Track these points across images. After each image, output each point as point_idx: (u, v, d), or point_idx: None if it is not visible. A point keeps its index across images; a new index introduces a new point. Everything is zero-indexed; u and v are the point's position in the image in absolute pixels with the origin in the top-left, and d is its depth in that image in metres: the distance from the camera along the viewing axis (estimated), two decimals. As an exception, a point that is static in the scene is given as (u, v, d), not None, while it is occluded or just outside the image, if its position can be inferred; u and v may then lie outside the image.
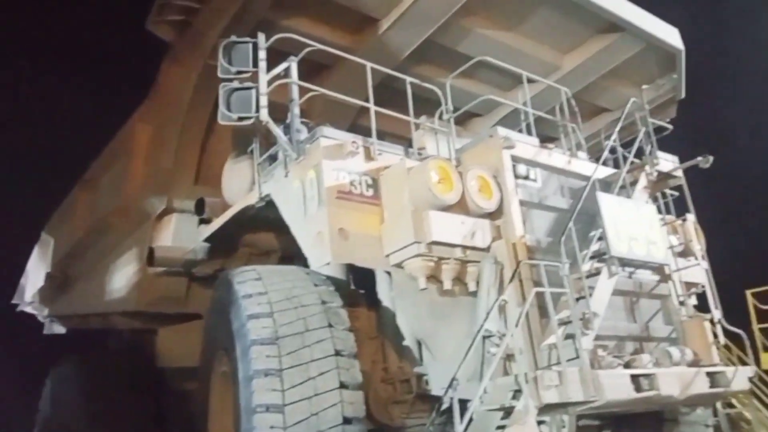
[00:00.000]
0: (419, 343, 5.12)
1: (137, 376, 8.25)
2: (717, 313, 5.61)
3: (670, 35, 7.97)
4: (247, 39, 5.13)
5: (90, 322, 9.53)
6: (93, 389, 8.45)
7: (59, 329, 11.23)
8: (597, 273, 5.01)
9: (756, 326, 8.82)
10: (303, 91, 5.32)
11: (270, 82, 5.08)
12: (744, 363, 5.53)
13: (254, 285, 4.78)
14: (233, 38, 5.13)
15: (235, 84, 5.03)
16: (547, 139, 6.44)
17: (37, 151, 15.77)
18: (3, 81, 16.50)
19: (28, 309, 11.55)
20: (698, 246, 6.15)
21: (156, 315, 7.64)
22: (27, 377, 10.81)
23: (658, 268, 5.68)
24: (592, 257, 5.05)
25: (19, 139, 15.68)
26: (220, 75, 5.03)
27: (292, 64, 5.21)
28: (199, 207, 6.74)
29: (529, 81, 6.27)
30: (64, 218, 10.25)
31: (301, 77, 5.25)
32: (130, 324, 8.33)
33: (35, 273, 11.17)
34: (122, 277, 7.85)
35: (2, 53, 16.45)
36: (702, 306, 5.83)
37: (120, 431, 8.06)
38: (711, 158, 5.81)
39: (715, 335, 5.56)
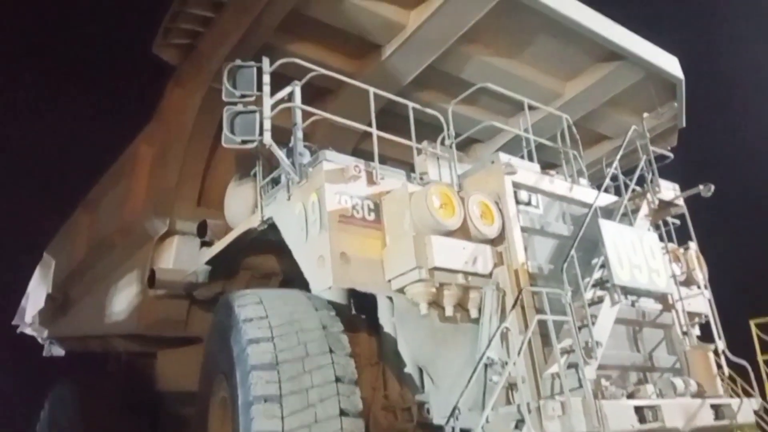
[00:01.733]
0: (420, 370, 5.08)
1: (135, 399, 8.16)
2: (721, 344, 5.57)
3: (670, 64, 8.05)
4: (252, 63, 5.19)
5: (89, 345, 9.46)
6: (91, 412, 8.35)
7: (58, 351, 11.15)
8: (599, 301, 4.99)
9: (761, 357, 8.72)
10: (306, 115, 5.35)
11: (274, 106, 5.12)
12: (749, 395, 5.45)
13: (255, 309, 4.75)
14: (238, 62, 5.19)
15: (239, 107, 5.07)
16: (548, 165, 6.48)
17: (40, 171, 15.85)
18: (7, 101, 16.67)
19: (28, 330, 11.48)
20: (701, 275, 6.12)
21: (155, 338, 7.57)
22: (26, 399, 10.71)
23: (661, 297, 5.65)
24: (594, 285, 5.03)
25: (22, 159, 15.77)
26: (224, 98, 5.08)
27: (296, 89, 5.25)
28: (201, 229, 6.74)
29: (531, 108, 6.32)
30: (65, 239, 10.24)
31: (304, 101, 5.29)
32: (129, 347, 8.27)
33: (36, 294, 11.12)
34: (122, 299, 7.81)
35: (8, 73, 16.64)
36: (705, 336, 5.79)
37: (117, 455, 7.97)
38: (712, 187, 5.81)
39: (720, 366, 5.51)
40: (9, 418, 12.50)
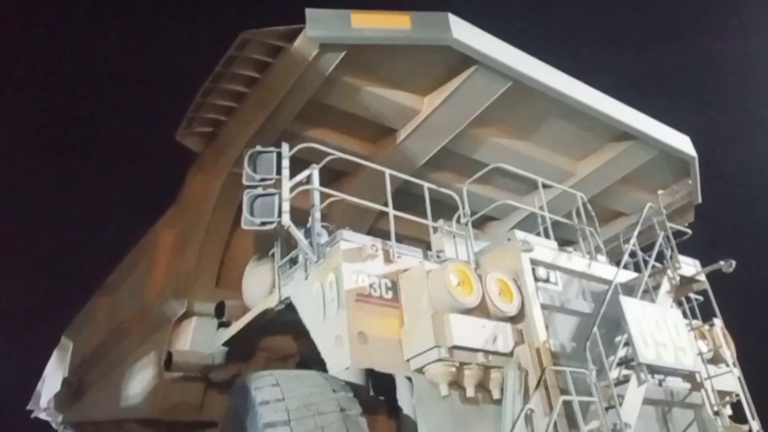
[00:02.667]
0: (442, 455, 4.89)
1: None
2: (755, 424, 5.33)
3: (682, 143, 8.17)
4: (272, 149, 5.37)
5: (104, 430, 9.26)
6: None
7: (73, 437, 10.91)
8: (625, 381, 4.84)
9: (798, 439, 8.29)
10: (324, 196, 5.48)
11: (292, 189, 5.25)
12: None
13: (271, 391, 4.66)
14: (258, 148, 5.36)
15: (259, 190, 5.20)
16: (565, 242, 6.47)
17: (61, 255, 16.13)
18: (28, 183, 17.23)
19: (43, 415, 11.30)
20: (728, 352, 5.95)
21: (171, 423, 7.42)
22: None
23: (689, 376, 5.47)
24: (618, 364, 4.90)
25: (43, 244, 16.11)
26: (244, 182, 5.22)
27: (314, 172, 5.40)
28: (219, 310, 6.74)
29: (544, 186, 6.40)
30: (84, 323, 10.28)
31: (322, 183, 5.42)
32: (143, 432, 8.09)
33: (52, 378, 11.05)
34: (138, 383, 7.72)
35: (29, 151, 17.28)
36: (738, 416, 5.55)
37: None
38: (734, 262, 5.75)
39: (754, 447, 5.25)
40: None
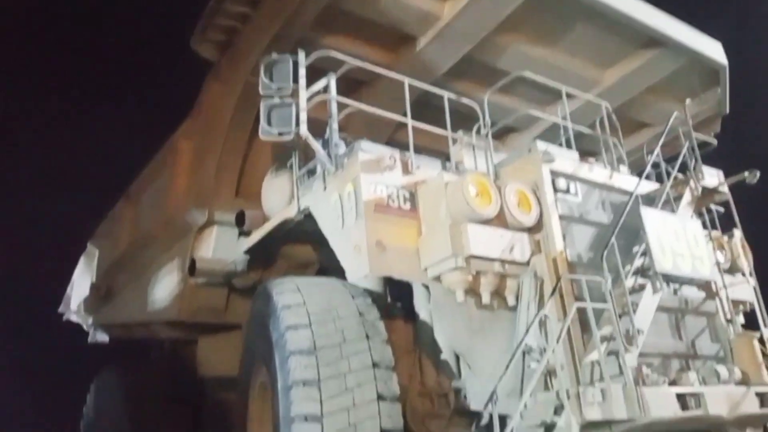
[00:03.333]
0: (457, 357, 5.09)
1: (177, 385, 8.39)
2: (766, 332, 5.42)
3: (713, 50, 7.82)
4: (288, 56, 5.24)
5: (132, 332, 9.74)
6: (134, 397, 8.63)
7: (103, 338, 11.50)
8: (640, 289, 4.91)
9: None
10: (341, 106, 5.40)
11: (309, 99, 5.18)
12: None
13: (293, 296, 4.83)
14: (274, 56, 5.24)
15: (276, 100, 5.13)
16: (587, 153, 6.38)
17: (85, 165, 16.34)
18: (51, 95, 17.22)
19: (74, 318, 11.87)
20: (746, 262, 5.97)
21: (197, 325, 7.77)
22: (73, 384, 11.13)
23: (705, 285, 5.53)
24: (635, 273, 4.95)
25: (67, 154, 16.28)
26: (261, 92, 5.14)
27: (332, 81, 5.31)
28: (240, 219, 6.86)
29: (568, 96, 6.22)
30: (108, 230, 10.55)
31: (339, 93, 5.34)
32: (171, 333, 8.48)
33: (81, 283, 11.49)
34: (164, 288, 8.02)
35: (51, 67, 17.17)
36: (751, 324, 5.65)
37: (160, 439, 8.22)
38: (758, 173, 5.66)
39: (765, 354, 5.37)
40: (57, 401, 13.01)
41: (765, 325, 5.44)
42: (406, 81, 5.64)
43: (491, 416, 4.07)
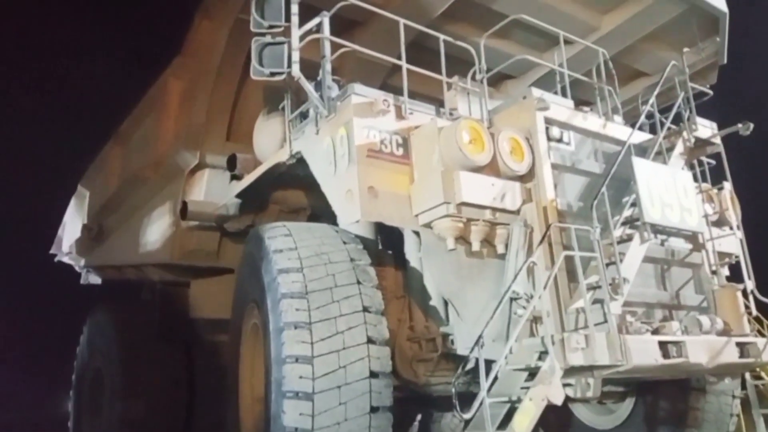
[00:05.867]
0: (446, 303, 5.18)
1: (169, 326, 8.50)
2: (750, 284, 5.51)
3: (714, -3, 7.64)
4: (280, -9, 5.07)
5: (125, 273, 9.79)
6: (126, 338, 8.76)
7: (95, 279, 11.55)
8: (628, 239, 4.96)
9: (789, 299, 8.64)
10: (335, 47, 5.26)
11: (302, 37, 5.04)
12: (774, 335, 5.45)
13: (285, 240, 4.84)
14: (265, -9, 5.07)
15: (268, 39, 5.00)
16: (582, 102, 6.31)
17: (73, 105, 16.05)
18: (38, 37, 16.74)
19: (66, 259, 11.88)
20: (734, 215, 6.02)
21: (189, 268, 7.82)
22: (66, 325, 11.26)
23: (692, 237, 5.59)
24: (624, 223, 4.99)
25: (55, 94, 15.96)
26: (252, 29, 5.00)
27: (325, 19, 5.15)
28: (231, 163, 6.80)
29: (566, 42, 6.10)
30: (98, 172, 10.43)
31: (333, 34, 5.19)
32: (163, 276, 8.54)
33: (72, 225, 11.45)
34: (156, 230, 8.02)
35: (38, 10, 16.63)
36: (735, 277, 5.74)
37: (152, 378, 8.39)
38: (751, 125, 5.64)
39: (747, 306, 5.49)
40: (52, 339, 13.21)
41: (749, 278, 5.53)
42: (402, 21, 5.50)
43: (477, 360, 4.17)
